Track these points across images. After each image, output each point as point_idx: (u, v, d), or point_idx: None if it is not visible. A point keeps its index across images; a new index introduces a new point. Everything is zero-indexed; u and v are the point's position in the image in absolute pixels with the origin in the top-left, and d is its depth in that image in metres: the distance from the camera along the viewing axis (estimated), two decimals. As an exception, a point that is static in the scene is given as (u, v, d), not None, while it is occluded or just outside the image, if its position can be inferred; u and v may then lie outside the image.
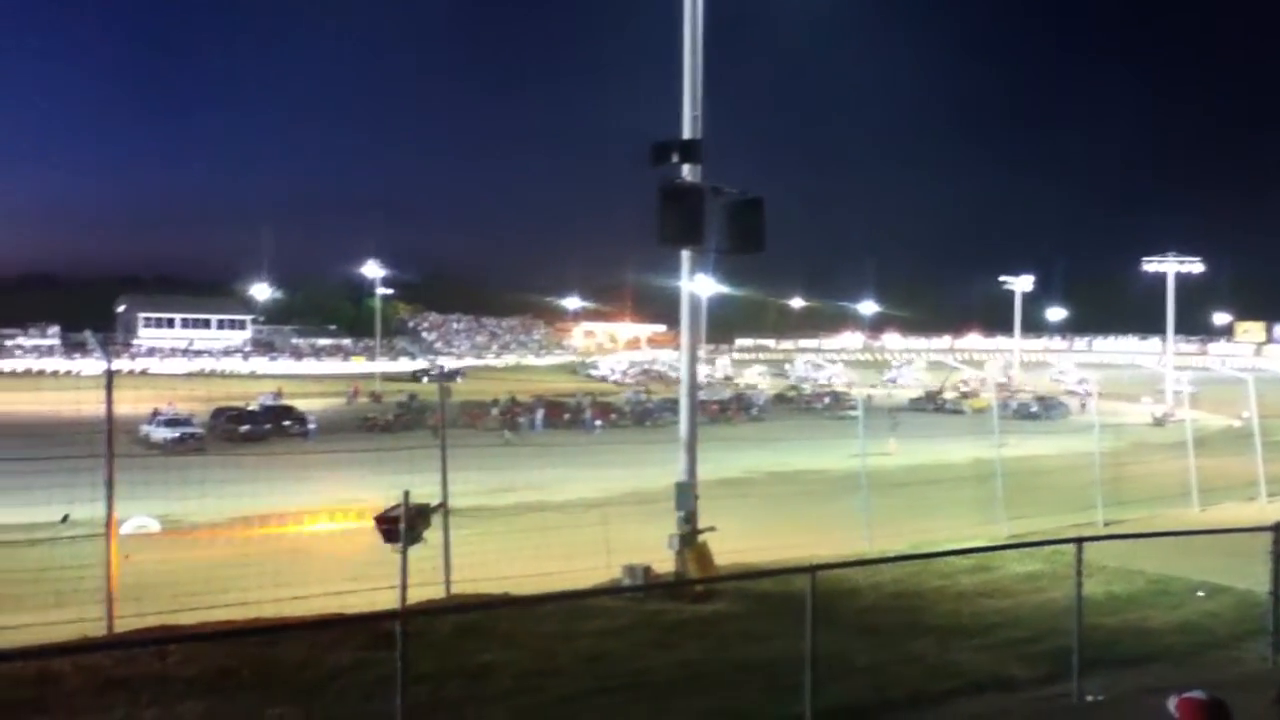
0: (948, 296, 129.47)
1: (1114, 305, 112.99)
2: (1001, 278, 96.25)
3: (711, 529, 13.64)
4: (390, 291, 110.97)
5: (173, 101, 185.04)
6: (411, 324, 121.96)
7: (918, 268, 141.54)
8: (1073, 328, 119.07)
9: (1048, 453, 32.69)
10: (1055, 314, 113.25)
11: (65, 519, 21.08)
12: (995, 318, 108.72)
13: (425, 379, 76.54)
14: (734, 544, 14.30)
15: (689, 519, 13.44)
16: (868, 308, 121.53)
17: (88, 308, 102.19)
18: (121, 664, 8.76)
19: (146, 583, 12.96)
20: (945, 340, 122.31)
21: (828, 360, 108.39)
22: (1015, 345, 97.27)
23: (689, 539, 13.36)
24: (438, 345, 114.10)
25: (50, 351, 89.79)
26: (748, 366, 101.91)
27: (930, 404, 68.07)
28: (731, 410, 62.03)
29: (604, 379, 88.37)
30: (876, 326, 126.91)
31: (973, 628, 11.49)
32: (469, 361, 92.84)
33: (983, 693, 9.27)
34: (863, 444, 20.83)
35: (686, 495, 13.55)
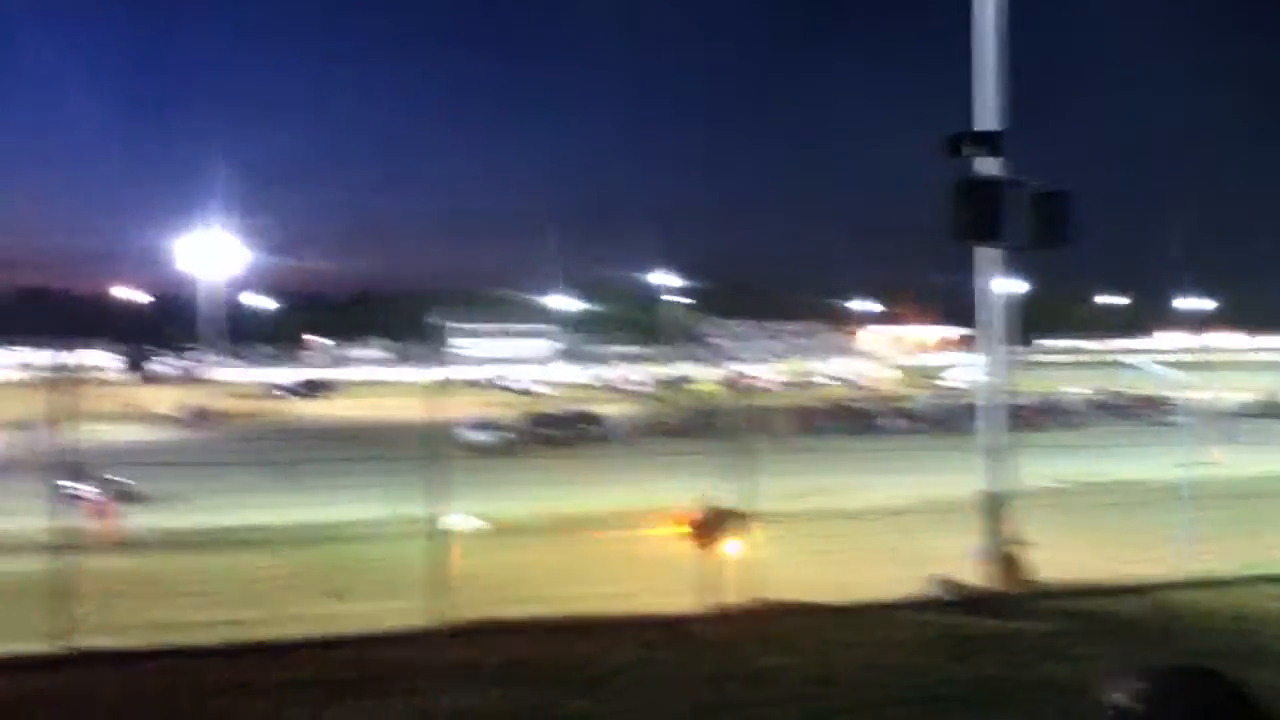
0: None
1: None
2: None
3: (1019, 540, 12.97)
4: (681, 298, 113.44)
5: (478, 121, 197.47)
6: (699, 330, 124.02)
7: (1248, 259, 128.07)
8: None
9: None
10: None
11: (395, 515, 23.09)
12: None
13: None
14: (1043, 556, 13.52)
15: (995, 530, 12.84)
16: (1188, 304, 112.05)
17: (408, 320, 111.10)
18: (435, 651, 9.47)
19: (466, 577, 13.85)
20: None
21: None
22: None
23: (995, 551, 12.77)
24: (732, 350, 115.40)
25: (376, 362, 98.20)
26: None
27: (1269, 412, 61.34)
28: (1040, 415, 58.71)
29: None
30: (1199, 325, 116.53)
31: (1328, 658, 10.25)
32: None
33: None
34: (1188, 452, 19.11)
35: (993, 505, 12.96)
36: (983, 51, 12.99)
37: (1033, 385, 74.77)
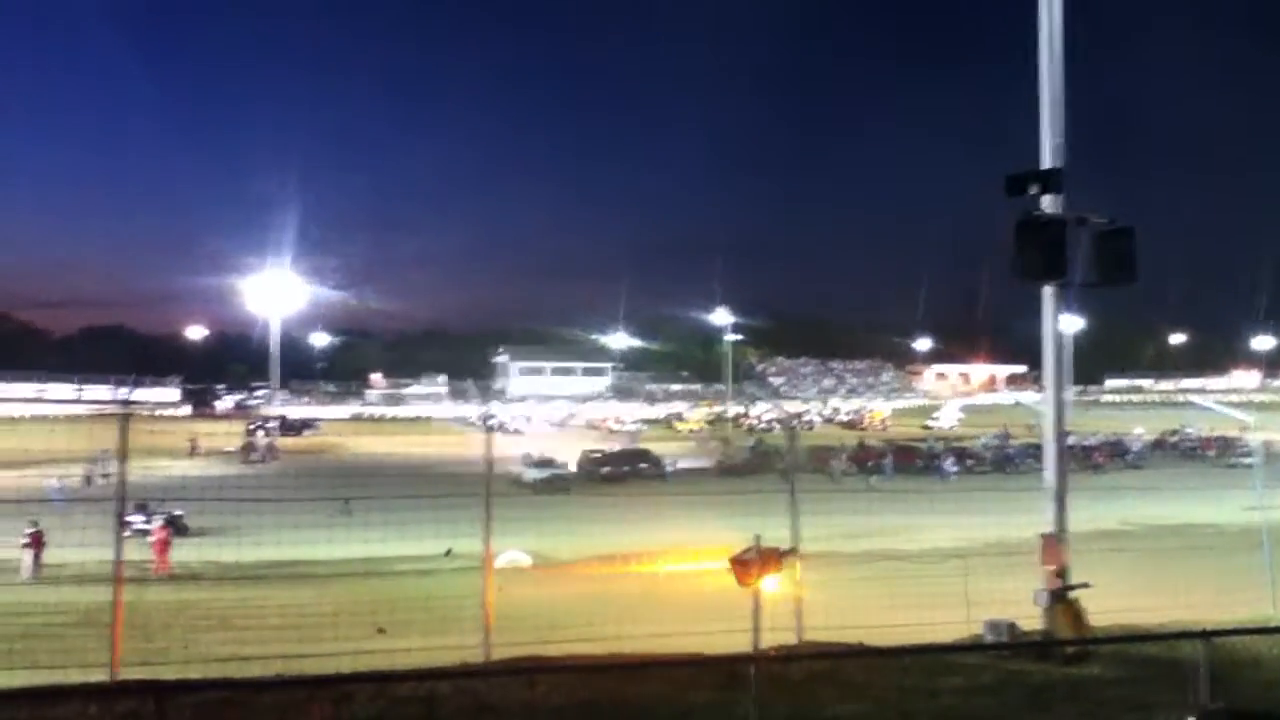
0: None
1: None
2: None
3: (1085, 585, 12.56)
4: (740, 337, 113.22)
5: (545, 166, 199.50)
6: (760, 369, 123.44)
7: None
8: None
9: None
10: None
11: (449, 553, 23.12)
12: None
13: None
14: (1111, 602, 13.07)
15: (1059, 573, 12.46)
16: (1263, 343, 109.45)
17: (474, 358, 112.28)
18: (496, 690, 9.31)
19: (518, 614, 13.79)
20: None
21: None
22: None
23: (1059, 595, 12.38)
24: (784, 389, 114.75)
25: (438, 399, 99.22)
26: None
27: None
28: (1103, 456, 57.52)
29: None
30: (1275, 363, 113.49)
31: None
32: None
33: None
34: (1260, 494, 18.51)
35: (1054, 548, 12.58)
36: (1044, 89, 12.78)
37: (1100, 425, 73.58)
